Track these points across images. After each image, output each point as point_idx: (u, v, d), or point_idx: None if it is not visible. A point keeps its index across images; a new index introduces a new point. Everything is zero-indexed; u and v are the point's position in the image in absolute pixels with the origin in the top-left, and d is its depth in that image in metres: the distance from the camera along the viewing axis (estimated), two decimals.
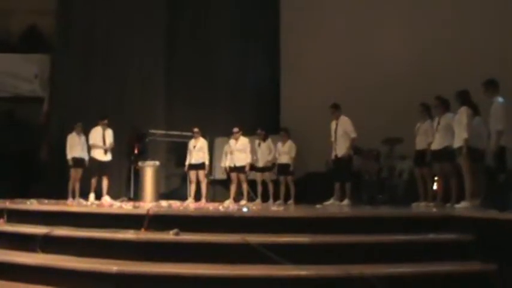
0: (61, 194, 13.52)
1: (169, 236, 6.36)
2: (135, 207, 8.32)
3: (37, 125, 16.76)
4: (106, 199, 12.94)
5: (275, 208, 9.13)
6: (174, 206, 9.99)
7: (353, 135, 12.12)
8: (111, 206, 9.82)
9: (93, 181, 13.36)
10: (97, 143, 13.42)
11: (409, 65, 14.46)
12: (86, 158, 13.67)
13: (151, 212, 6.89)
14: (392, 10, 15.34)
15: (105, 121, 13.47)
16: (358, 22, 15.71)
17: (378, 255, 6.17)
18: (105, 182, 13.35)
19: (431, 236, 6.61)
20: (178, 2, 17.90)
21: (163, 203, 11.70)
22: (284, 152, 13.80)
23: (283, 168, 13.80)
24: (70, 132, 13.98)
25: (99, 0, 17.05)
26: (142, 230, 6.66)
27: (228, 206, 11.49)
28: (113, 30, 17.05)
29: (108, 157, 13.47)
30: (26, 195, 12.38)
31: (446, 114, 10.31)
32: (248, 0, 18.03)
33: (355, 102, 14.00)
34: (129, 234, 6.51)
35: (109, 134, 13.53)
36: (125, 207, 8.21)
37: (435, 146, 10.38)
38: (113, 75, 16.65)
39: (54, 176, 15.39)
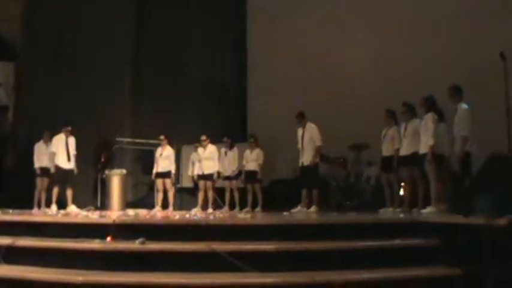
0: (27, 204, 13.34)
1: (135, 245, 6.31)
2: (101, 216, 8.24)
3: (2, 134, 16.54)
4: (72, 208, 12.76)
5: (242, 216, 9.10)
6: (141, 214, 9.94)
7: (318, 143, 12.20)
8: (77, 215, 9.74)
9: (55, 190, 13.10)
10: (59, 151, 13.15)
11: (374, 72, 14.56)
12: (52, 168, 13.49)
13: (117, 221, 6.84)
14: (358, 20, 15.45)
15: (69, 128, 13.26)
16: (324, 31, 15.79)
17: (344, 262, 6.19)
18: (69, 192, 13.14)
19: (397, 241, 6.65)
20: (146, 9, 17.84)
21: (130, 212, 11.63)
22: (252, 159, 13.80)
23: (250, 176, 13.80)
24: (37, 141, 13.86)
25: (65, 6, 16.88)
26: (108, 239, 6.58)
27: (195, 214, 11.46)
28: (80, 37, 16.90)
29: (71, 165, 13.19)
30: None
31: (413, 120, 10.43)
32: (215, 9, 17.99)
33: (321, 109, 14.07)
34: (94, 244, 6.44)
35: (72, 141, 13.32)
36: (91, 216, 8.12)
37: (403, 152, 10.47)
38: (80, 82, 16.48)
39: (19, 186, 15.18)
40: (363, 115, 13.73)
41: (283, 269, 6.02)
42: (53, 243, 6.71)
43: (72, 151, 13.20)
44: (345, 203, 13.10)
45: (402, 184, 11.64)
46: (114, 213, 10.49)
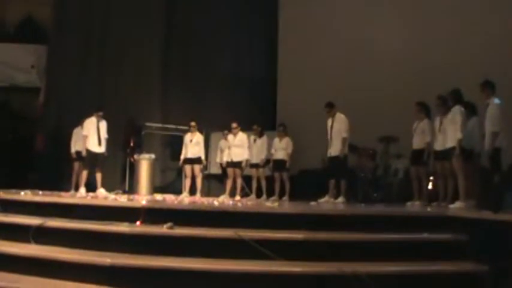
0: (56, 185, 13.50)
1: (163, 229, 6.35)
2: (129, 200, 8.29)
3: (33, 115, 16.71)
4: (101, 191, 12.80)
5: (269, 204, 9.09)
6: (169, 200, 9.98)
7: (344, 134, 12.09)
8: (105, 198, 9.81)
9: (85, 173, 12.97)
10: (90, 135, 12.99)
11: (407, 64, 14.51)
12: None
13: (146, 206, 6.88)
14: (391, 9, 15.39)
15: (100, 113, 13.08)
16: (356, 20, 15.74)
17: (371, 254, 6.18)
18: (98, 175, 13.02)
19: (425, 235, 6.61)
20: None
21: (158, 197, 11.68)
22: (281, 147, 13.73)
23: (279, 164, 13.75)
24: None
25: None
26: (138, 223, 6.63)
27: (222, 201, 11.49)
28: (110, 21, 16.98)
29: (102, 149, 13.05)
30: (22, 185, 12.32)
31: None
32: None
33: (352, 99, 14.02)
34: (123, 227, 6.50)
35: (103, 125, 13.17)
36: (120, 200, 8.18)
37: (438, 147, 10.20)
38: (110, 66, 16.59)
39: (49, 167, 15.33)
40: (394, 107, 13.68)
41: (310, 259, 6.02)
42: (82, 225, 6.78)
43: (104, 135, 13.06)
44: (372, 195, 13.05)
45: (431, 178, 11.62)
46: (142, 198, 10.55)
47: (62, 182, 14.41)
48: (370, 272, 5.69)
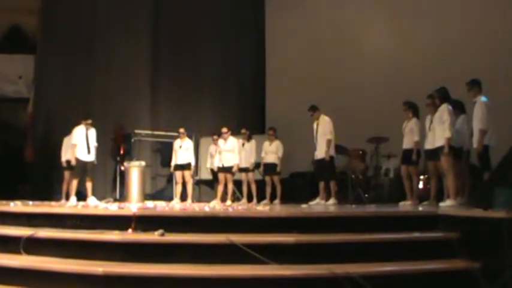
0: (47, 195, 13.48)
1: (155, 236, 6.34)
2: (120, 208, 8.27)
3: (22, 125, 16.68)
4: (92, 200, 12.78)
5: (261, 208, 9.11)
6: (160, 207, 9.96)
7: (328, 136, 12.12)
8: (96, 207, 9.79)
9: (75, 182, 12.89)
10: (79, 143, 12.91)
11: (394, 64, 14.59)
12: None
13: (137, 213, 6.87)
14: (375, 10, 15.45)
15: (89, 121, 13.03)
16: (342, 22, 15.84)
17: (363, 254, 6.18)
18: (88, 184, 13.01)
19: (416, 234, 6.63)
20: (163, 0, 17.84)
21: (149, 204, 11.68)
22: (271, 151, 13.76)
23: (269, 168, 13.78)
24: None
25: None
26: (129, 231, 6.62)
27: (214, 206, 11.50)
28: (97, 30, 17.02)
29: (91, 157, 13.00)
30: (12, 196, 12.31)
31: None
32: (233, 1, 17.99)
33: (340, 101, 14.17)
34: (114, 235, 6.48)
35: (92, 133, 13.11)
36: (111, 208, 8.17)
37: (428, 145, 10.19)
38: (98, 74, 16.61)
39: (39, 177, 15.31)
40: (383, 107, 13.73)
41: (302, 262, 6.03)
42: (73, 235, 6.76)
43: (93, 143, 13.02)
44: (363, 196, 13.08)
45: (421, 177, 11.67)
46: (134, 205, 10.54)
47: (53, 191, 14.41)
48: (363, 272, 5.69)
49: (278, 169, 13.73)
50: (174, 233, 6.50)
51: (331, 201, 11.98)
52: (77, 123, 13.09)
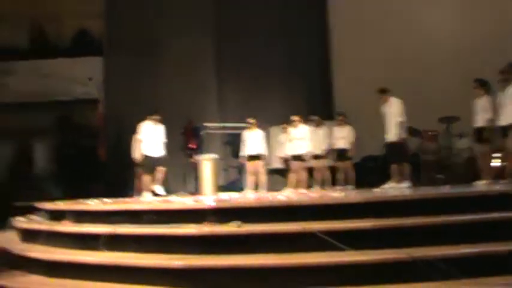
0: (122, 192, 13.71)
1: (232, 228, 6.37)
2: (195, 201, 8.35)
3: (94, 126, 17.03)
4: (156, 188, 12.72)
5: (335, 194, 9.04)
6: (234, 198, 10.00)
7: (399, 118, 11.85)
8: (165, 197, 9.87)
9: (146, 178, 12.86)
10: (147, 139, 12.90)
11: (463, 41, 14.32)
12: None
13: (212, 206, 6.92)
14: None
15: (156, 116, 13.01)
16: (406, 4, 15.61)
17: (441, 237, 6.03)
18: (158, 174, 12.87)
19: (495, 214, 6.45)
20: None
21: (224, 196, 11.73)
22: (341, 137, 13.70)
23: (341, 154, 13.71)
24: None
25: (146, 0, 17.21)
26: (205, 223, 6.67)
27: (287, 194, 11.49)
28: (161, 28, 17.21)
29: (159, 153, 12.93)
30: (87, 195, 12.56)
31: None
32: None
33: (410, 82, 13.98)
34: (191, 229, 6.53)
35: (160, 129, 13.06)
36: (186, 202, 8.24)
37: (503, 122, 9.92)
38: (164, 72, 16.83)
39: (112, 176, 15.61)
40: (453, 86, 13.49)
41: (380, 247, 5.93)
42: (151, 230, 6.84)
43: (162, 139, 13.02)
44: (437, 177, 12.87)
45: (496, 155, 11.39)
46: (208, 198, 10.62)
47: (126, 188, 14.64)
48: (442, 255, 5.57)
49: (349, 154, 13.64)
50: (250, 224, 6.50)
51: (405, 184, 11.77)
52: (143, 119, 13.13)
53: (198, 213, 6.95)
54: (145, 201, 11.25)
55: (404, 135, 12.02)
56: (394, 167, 12.04)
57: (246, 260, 5.92)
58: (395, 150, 12.02)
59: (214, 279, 5.83)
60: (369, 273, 5.61)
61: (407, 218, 6.39)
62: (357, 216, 6.49)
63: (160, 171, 12.93)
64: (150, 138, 12.92)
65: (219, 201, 7.85)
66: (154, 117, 13.06)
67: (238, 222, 6.41)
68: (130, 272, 6.21)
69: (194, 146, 15.57)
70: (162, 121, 13.12)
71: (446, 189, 9.15)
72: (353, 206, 6.77)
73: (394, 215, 6.51)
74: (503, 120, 9.55)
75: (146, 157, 12.92)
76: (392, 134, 11.95)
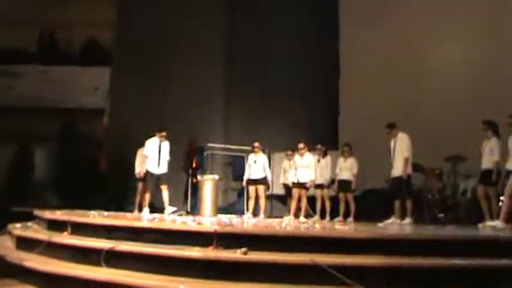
0: (120, 205, 13.55)
1: (238, 255, 6.21)
2: (197, 223, 8.18)
3: (97, 136, 16.93)
4: (169, 209, 12.65)
5: (340, 226, 8.92)
6: (235, 221, 9.86)
7: (405, 154, 11.81)
8: (173, 218, 9.73)
9: (147, 195, 12.87)
10: (151, 155, 12.84)
11: (474, 81, 14.20)
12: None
13: (218, 230, 6.76)
14: (456, 23, 15.09)
15: (163, 133, 12.96)
16: (417, 37, 15.54)
17: (456, 281, 5.88)
18: (164, 193, 12.79)
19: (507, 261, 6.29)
20: (236, 14, 17.91)
21: (223, 218, 11.58)
22: (346, 168, 13.60)
23: (344, 185, 13.60)
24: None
25: (158, 13, 17.18)
26: (211, 248, 6.52)
27: (289, 222, 11.37)
28: (172, 43, 17.18)
29: (162, 169, 12.85)
30: (87, 205, 12.42)
31: None
32: (306, 15, 17.91)
33: (417, 119, 13.86)
34: (196, 252, 6.37)
35: (165, 146, 12.98)
36: (190, 223, 8.08)
37: (510, 166, 9.89)
38: (172, 87, 16.81)
39: (114, 188, 15.47)
40: (460, 125, 13.38)
41: (389, 286, 5.79)
42: (153, 249, 6.66)
43: (166, 156, 12.92)
44: (439, 216, 12.73)
45: (501, 198, 11.25)
46: (208, 219, 10.47)
47: (127, 202, 14.50)
48: None
49: (353, 186, 13.54)
50: (256, 251, 6.34)
51: (407, 220, 11.67)
52: (151, 135, 13.07)
53: (203, 236, 6.81)
54: (144, 216, 11.10)
55: (410, 171, 11.91)
56: (397, 203, 11.93)
57: None
58: (401, 185, 11.91)
59: None
60: None
61: (420, 258, 6.23)
62: (365, 252, 6.35)
63: (164, 189, 12.81)
64: (154, 155, 12.84)
65: (225, 225, 7.68)
66: (161, 133, 12.96)
67: (245, 249, 6.24)
68: None
69: (196, 166, 15.41)
70: (167, 138, 12.98)
71: (455, 231, 9.02)
72: (363, 242, 6.63)
73: (405, 253, 6.35)
74: (510, 165, 9.48)
75: (148, 173, 12.84)
76: (399, 169, 11.85)
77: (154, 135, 13.01)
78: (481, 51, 14.36)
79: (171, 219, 10.01)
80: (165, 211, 12.64)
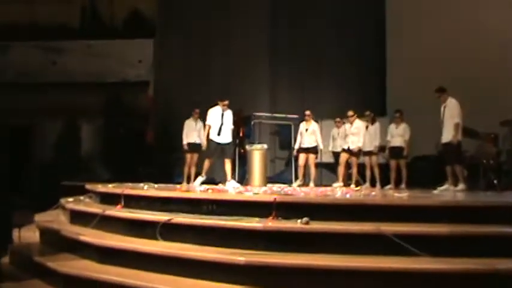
0: (167, 177, 13.49)
1: (299, 225, 6.02)
2: (255, 193, 8.02)
3: (143, 109, 16.89)
4: (231, 183, 12.25)
5: (399, 194, 8.69)
6: (287, 191, 9.69)
7: (456, 120, 11.53)
8: (237, 190, 9.59)
9: (207, 163, 12.47)
10: (214, 124, 12.43)
11: None
12: (202, 143, 13.43)
13: (278, 200, 6.57)
14: None
15: (226, 102, 12.54)
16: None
17: None
18: (227, 166, 12.47)
19: None
20: None
21: (274, 188, 11.42)
22: (398, 134, 13.36)
23: (396, 152, 13.37)
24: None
25: None
26: (270, 218, 6.34)
27: (338, 189, 11.20)
28: (215, 12, 16.98)
29: (227, 139, 12.48)
30: (135, 178, 12.36)
31: None
32: None
33: (471, 81, 13.49)
34: (256, 223, 6.19)
35: (229, 115, 12.60)
36: (247, 194, 7.92)
37: None
38: (216, 57, 16.63)
39: (160, 159, 15.44)
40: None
41: (458, 255, 5.55)
42: (211, 221, 6.49)
43: (229, 125, 12.56)
44: (494, 182, 12.40)
45: None
46: (259, 189, 10.31)
47: (173, 174, 14.45)
48: None
49: (405, 153, 13.29)
50: (317, 221, 6.15)
51: (460, 186, 11.46)
52: (213, 104, 12.75)
53: (261, 206, 6.62)
54: (196, 187, 10.97)
55: (460, 137, 11.65)
56: (449, 169, 11.73)
57: (313, 260, 5.55)
58: (451, 151, 11.69)
59: (277, 278, 5.48)
60: (449, 284, 5.23)
61: (488, 226, 5.99)
62: (432, 220, 6.12)
63: (228, 162, 12.54)
64: (217, 124, 12.47)
65: (284, 195, 7.48)
66: (224, 102, 12.61)
67: (306, 219, 6.05)
68: (188, 264, 5.91)
69: (243, 135, 15.26)
70: (230, 107, 12.68)
71: None
72: (429, 209, 6.40)
73: (471, 221, 6.12)
74: None
75: (210, 142, 12.48)
76: (449, 135, 11.62)
77: (217, 104, 12.67)
78: None
79: (234, 188, 9.88)
80: (227, 183, 12.30)
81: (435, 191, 10.85)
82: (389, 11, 16.95)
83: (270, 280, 5.47)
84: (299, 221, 6.06)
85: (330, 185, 13.53)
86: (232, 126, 12.71)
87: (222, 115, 12.54)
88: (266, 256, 5.72)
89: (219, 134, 12.40)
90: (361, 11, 17.49)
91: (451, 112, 11.66)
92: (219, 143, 12.44)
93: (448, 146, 11.70)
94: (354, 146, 13.45)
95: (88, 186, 10.16)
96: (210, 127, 12.48)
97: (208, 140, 12.49)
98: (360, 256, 5.63)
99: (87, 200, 9.84)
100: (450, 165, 11.72)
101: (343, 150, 13.74)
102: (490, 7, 14.83)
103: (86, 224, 7.88)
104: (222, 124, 12.46)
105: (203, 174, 12.51)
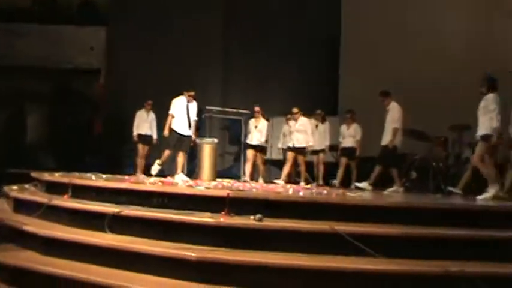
0: (115, 168, 13.26)
1: (252, 221, 5.93)
2: (207, 187, 7.89)
3: (93, 97, 16.63)
4: (180, 176, 12.00)
5: (353, 194, 8.69)
6: (237, 186, 9.59)
7: (394, 125, 11.71)
8: (186, 183, 9.44)
9: (167, 152, 12.28)
10: (179, 116, 12.24)
11: (478, 50, 13.94)
12: (154, 135, 13.28)
13: (231, 195, 6.46)
14: None
15: (192, 93, 12.40)
16: (421, 5, 15.27)
17: (481, 252, 5.66)
18: (180, 159, 12.29)
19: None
20: None
21: (224, 182, 11.32)
22: (349, 135, 13.48)
23: (348, 152, 13.46)
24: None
25: None
26: (222, 214, 6.22)
27: (281, 184, 11.67)
28: (167, 3, 16.79)
29: (189, 132, 12.35)
30: (80, 167, 12.13)
31: None
32: None
33: (424, 84, 13.61)
34: (208, 218, 6.07)
35: (193, 107, 12.48)
36: (199, 188, 7.78)
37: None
38: (169, 48, 16.48)
39: (107, 149, 15.24)
40: (466, 93, 13.13)
41: (411, 257, 5.55)
42: (162, 215, 6.35)
43: (193, 117, 12.42)
44: (443, 185, 12.51)
45: None
46: (211, 183, 10.19)
47: (121, 165, 14.26)
48: (481, 273, 5.20)
49: (357, 153, 13.40)
50: (271, 218, 6.06)
51: (395, 188, 11.73)
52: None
53: (213, 201, 6.51)
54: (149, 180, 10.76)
55: (397, 141, 11.87)
56: (394, 171, 11.94)
57: (267, 258, 5.49)
58: (386, 154, 11.91)
59: (230, 275, 5.39)
60: (401, 285, 5.21)
61: (440, 228, 6.01)
62: (385, 221, 6.11)
63: (182, 155, 12.36)
64: (182, 115, 12.27)
65: (237, 191, 7.36)
66: (190, 93, 12.43)
67: (260, 216, 5.95)
68: (135, 258, 5.77)
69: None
70: (196, 98, 12.52)
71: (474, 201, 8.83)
72: (382, 210, 6.40)
73: (424, 223, 6.12)
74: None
75: (172, 133, 12.23)
76: (387, 138, 11.83)
77: (181, 94, 12.43)
78: (486, 23, 14.10)
79: (182, 181, 9.76)
80: (176, 176, 12.06)
81: (386, 192, 10.92)
82: (344, 7, 16.98)
83: (221, 277, 5.38)
84: (252, 217, 5.96)
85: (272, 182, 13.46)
86: (196, 118, 12.55)
87: (187, 106, 12.32)
88: (217, 252, 5.62)
89: (189, 127, 12.23)
90: (314, 5, 17.49)
91: (392, 116, 11.84)
92: (181, 134, 12.22)
93: (385, 149, 11.91)
94: (301, 144, 13.43)
95: (34, 174, 9.87)
96: (173, 117, 12.20)
97: (170, 130, 12.20)
98: (313, 255, 5.59)
99: (32, 188, 9.56)
100: (382, 166, 11.98)
101: (289, 148, 13.71)
102: (449, 13, 14.96)
103: (30, 214, 7.64)
104: (188, 116, 12.28)
105: (161, 162, 12.32)
